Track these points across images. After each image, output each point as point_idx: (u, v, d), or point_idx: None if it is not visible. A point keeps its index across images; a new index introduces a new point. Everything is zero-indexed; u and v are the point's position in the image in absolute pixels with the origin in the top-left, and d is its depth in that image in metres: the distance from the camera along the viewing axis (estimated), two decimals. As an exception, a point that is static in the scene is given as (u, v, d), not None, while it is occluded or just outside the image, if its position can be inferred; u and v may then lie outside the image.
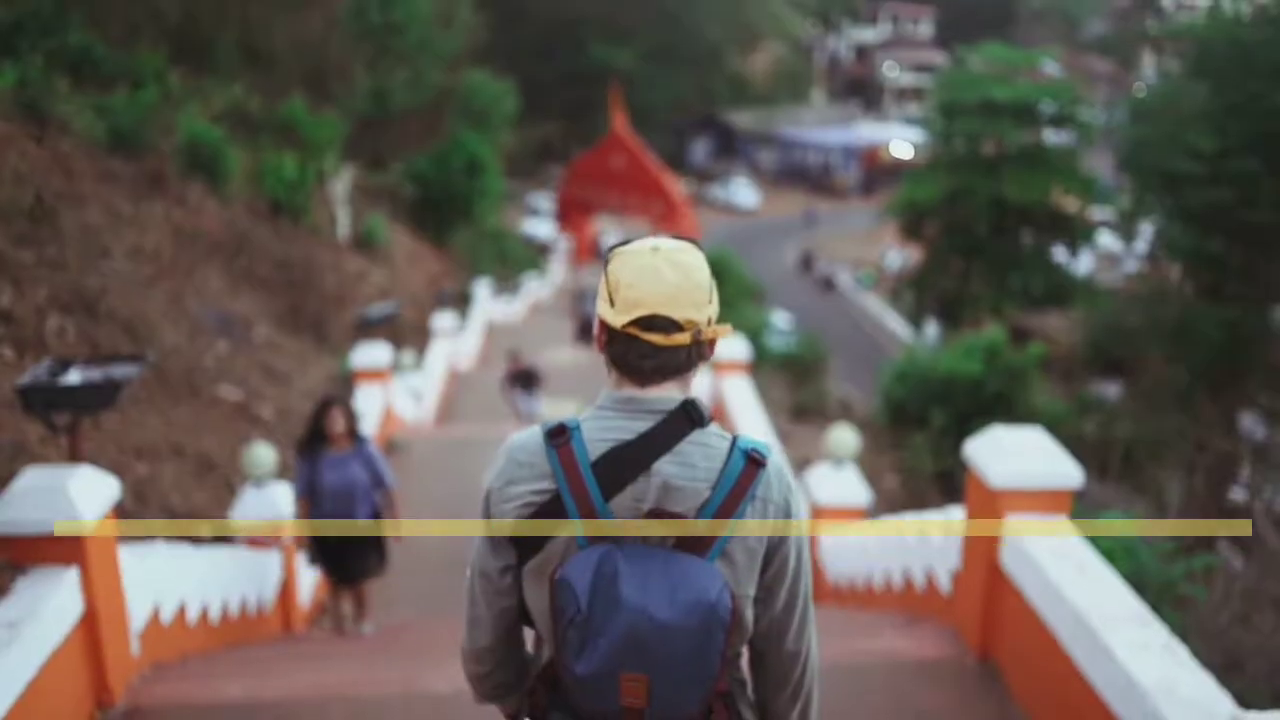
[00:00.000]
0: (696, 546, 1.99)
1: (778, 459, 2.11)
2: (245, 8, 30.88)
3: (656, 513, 1.99)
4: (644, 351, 2.01)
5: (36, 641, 4.30)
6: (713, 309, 2.05)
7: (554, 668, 2.09)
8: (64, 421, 5.29)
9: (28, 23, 17.32)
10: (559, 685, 2.10)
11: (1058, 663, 4.52)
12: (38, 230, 11.12)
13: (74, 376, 5.18)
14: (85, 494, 4.69)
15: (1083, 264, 39.29)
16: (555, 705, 2.12)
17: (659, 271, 2.00)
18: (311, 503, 7.28)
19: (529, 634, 2.31)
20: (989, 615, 5.35)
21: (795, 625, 2.15)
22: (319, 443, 7.21)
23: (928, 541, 6.43)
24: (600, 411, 2.08)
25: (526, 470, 2.06)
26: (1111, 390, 26.25)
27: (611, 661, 1.91)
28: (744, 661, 2.30)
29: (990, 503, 5.15)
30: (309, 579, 9.33)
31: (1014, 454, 5.09)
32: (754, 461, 2.04)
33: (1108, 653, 4.06)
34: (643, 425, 2.02)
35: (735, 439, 2.08)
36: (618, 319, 2.00)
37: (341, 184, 25.24)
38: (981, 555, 5.30)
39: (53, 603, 4.45)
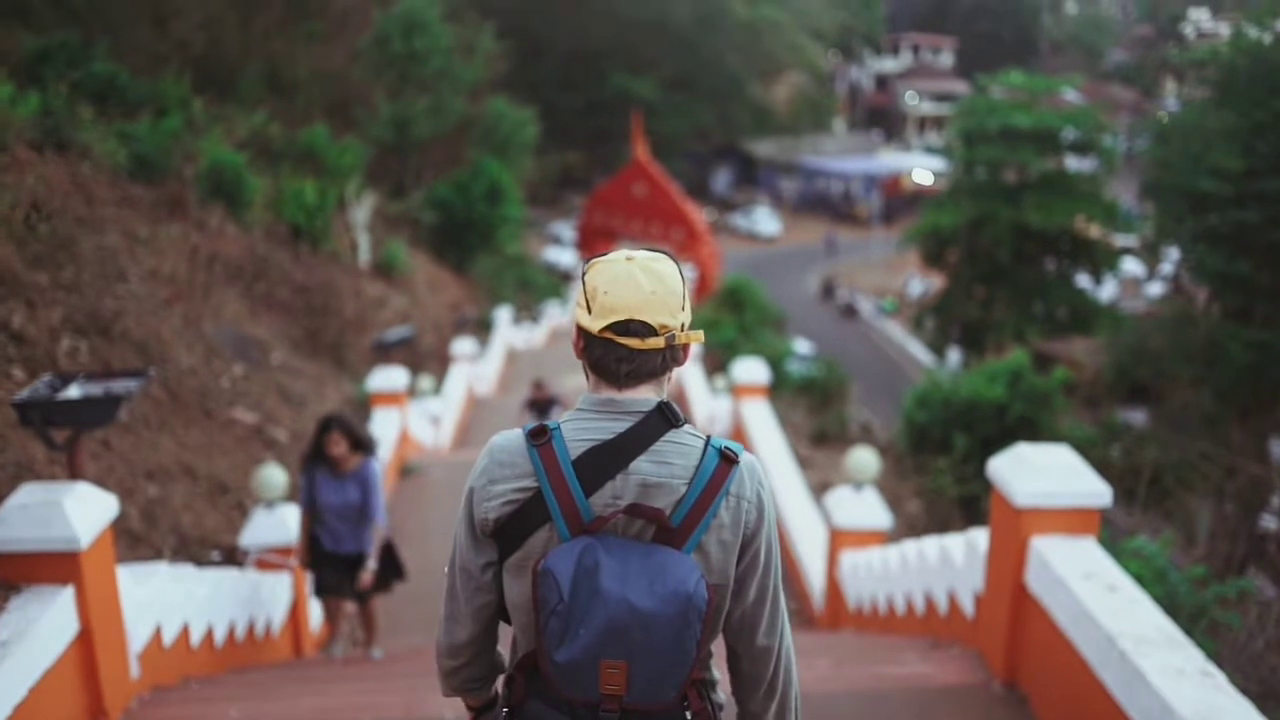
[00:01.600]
0: (674, 540, 2.05)
1: (750, 457, 2.18)
2: (269, 38, 31.14)
3: (635, 509, 2.05)
4: (620, 355, 2.09)
5: (27, 662, 4.17)
6: (685, 315, 2.12)
7: (533, 657, 2.15)
8: (63, 438, 5.17)
9: (54, 53, 17.46)
10: (538, 674, 2.14)
11: (1087, 688, 4.33)
12: (54, 253, 11.08)
13: (73, 391, 5.07)
14: (82, 512, 4.56)
15: (1106, 290, 39.04)
16: (534, 693, 2.16)
17: (634, 278, 2.07)
18: (314, 520, 7.14)
19: (503, 631, 2.34)
20: (1014, 639, 5.16)
21: (766, 618, 2.20)
22: (320, 461, 7.02)
23: (950, 562, 6.24)
24: (579, 413, 2.16)
25: (508, 470, 2.13)
26: (1137, 417, 25.95)
27: (592, 649, 1.97)
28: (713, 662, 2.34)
29: (1015, 522, 4.97)
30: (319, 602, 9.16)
31: (1041, 472, 4.91)
32: (727, 459, 2.12)
33: (1141, 678, 3.87)
34: (621, 426, 2.10)
35: (709, 438, 2.15)
36: (595, 324, 2.08)
37: (362, 210, 25.26)
38: (1006, 576, 5.11)
39: (46, 622, 4.32)
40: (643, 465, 2.08)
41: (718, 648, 2.27)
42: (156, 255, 14.03)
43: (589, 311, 2.10)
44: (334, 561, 7.20)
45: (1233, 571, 15.03)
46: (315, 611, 9.04)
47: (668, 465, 2.09)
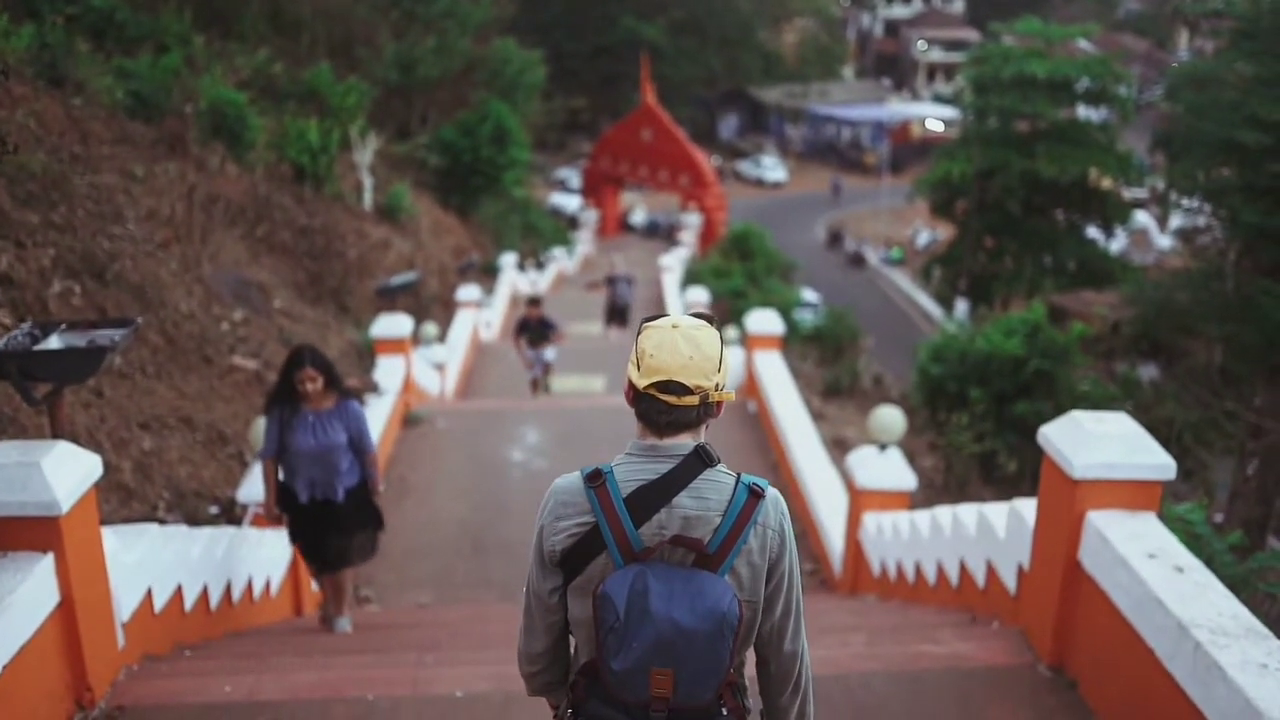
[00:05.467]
0: (711, 564, 2.41)
1: (774, 491, 2.53)
2: (272, -27, 30.47)
3: (678, 540, 2.40)
4: (660, 409, 2.43)
5: (3, 635, 3.83)
6: (720, 377, 2.44)
7: (593, 665, 2.50)
8: (44, 392, 4.80)
9: (51, -16, 16.90)
10: (598, 679, 2.49)
11: (1151, 678, 3.99)
12: (46, 191, 10.67)
13: (54, 341, 4.69)
14: (62, 473, 4.20)
15: (1115, 243, 38.56)
16: (593, 695, 2.52)
17: (676, 345, 2.40)
18: (283, 467, 6.36)
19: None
20: (1064, 619, 4.81)
21: (791, 628, 2.58)
22: (289, 401, 6.23)
23: (990, 532, 5.88)
24: (628, 457, 2.50)
25: (570, 509, 2.48)
26: (1148, 372, 25.54)
27: (643, 660, 2.34)
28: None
29: (1070, 494, 4.60)
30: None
31: (1101, 441, 4.54)
32: (755, 494, 2.46)
33: (1220, 672, 3.53)
34: (664, 467, 2.44)
35: (739, 476, 2.50)
36: (641, 381, 2.43)
37: (365, 152, 24.77)
38: (1057, 552, 4.76)
39: (22, 593, 3.97)
40: (684, 500, 2.43)
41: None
42: (154, 195, 13.60)
43: (638, 369, 2.45)
44: (315, 517, 6.44)
45: (1255, 533, 14.75)
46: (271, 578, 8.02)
47: (704, 500, 2.43)
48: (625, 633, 2.33)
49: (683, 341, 2.41)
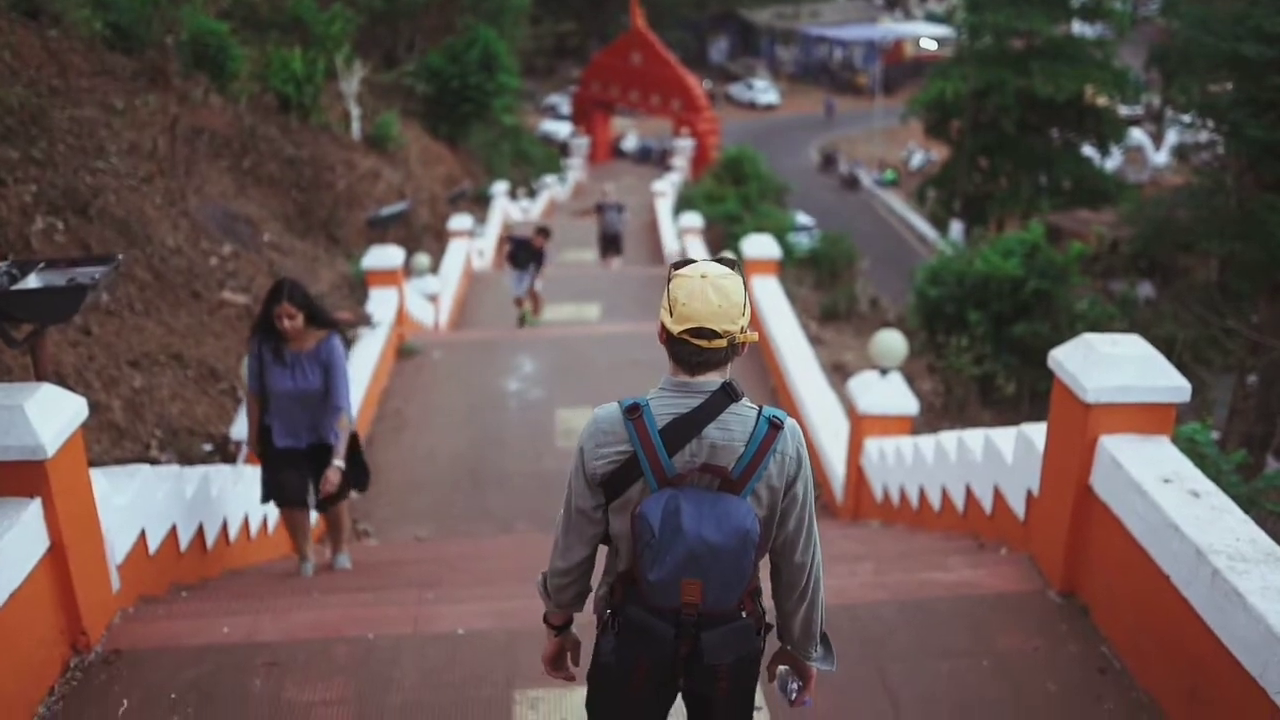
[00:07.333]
0: (734, 488, 2.69)
1: (791, 422, 2.78)
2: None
3: (706, 467, 2.68)
4: (692, 351, 2.68)
5: (-8, 583, 3.74)
6: (744, 320, 2.69)
7: (630, 574, 2.80)
8: (24, 333, 4.65)
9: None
10: (635, 586, 2.78)
11: (1166, 605, 3.91)
12: (24, 126, 10.42)
13: (33, 281, 4.53)
14: (47, 416, 4.08)
15: (1110, 162, 38.27)
16: (631, 600, 2.80)
17: (706, 294, 2.64)
18: (264, 407, 6.01)
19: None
20: (1075, 545, 4.72)
21: (802, 542, 2.83)
22: (270, 336, 5.82)
23: (997, 457, 5.79)
24: (662, 392, 2.76)
25: (610, 437, 2.75)
26: (1144, 290, 25.43)
27: (676, 571, 2.65)
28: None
29: (1082, 418, 4.49)
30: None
31: (1114, 364, 4.42)
32: (774, 426, 2.72)
33: (1237, 598, 3.44)
34: (694, 402, 2.71)
35: (761, 409, 2.75)
36: (675, 327, 2.66)
37: (352, 81, 24.36)
38: (1068, 477, 4.66)
39: (10, 539, 3.87)
40: (712, 432, 2.69)
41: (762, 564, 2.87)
42: (136, 129, 13.33)
43: (671, 315, 2.67)
44: (289, 460, 6.06)
45: (1255, 451, 14.72)
46: (269, 515, 7.79)
47: (730, 431, 2.70)
48: (660, 548, 2.64)
49: (712, 291, 2.64)
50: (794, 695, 3.08)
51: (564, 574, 2.95)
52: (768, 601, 2.97)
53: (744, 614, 2.82)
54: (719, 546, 2.63)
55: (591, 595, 3.05)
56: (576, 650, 3.16)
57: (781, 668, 3.12)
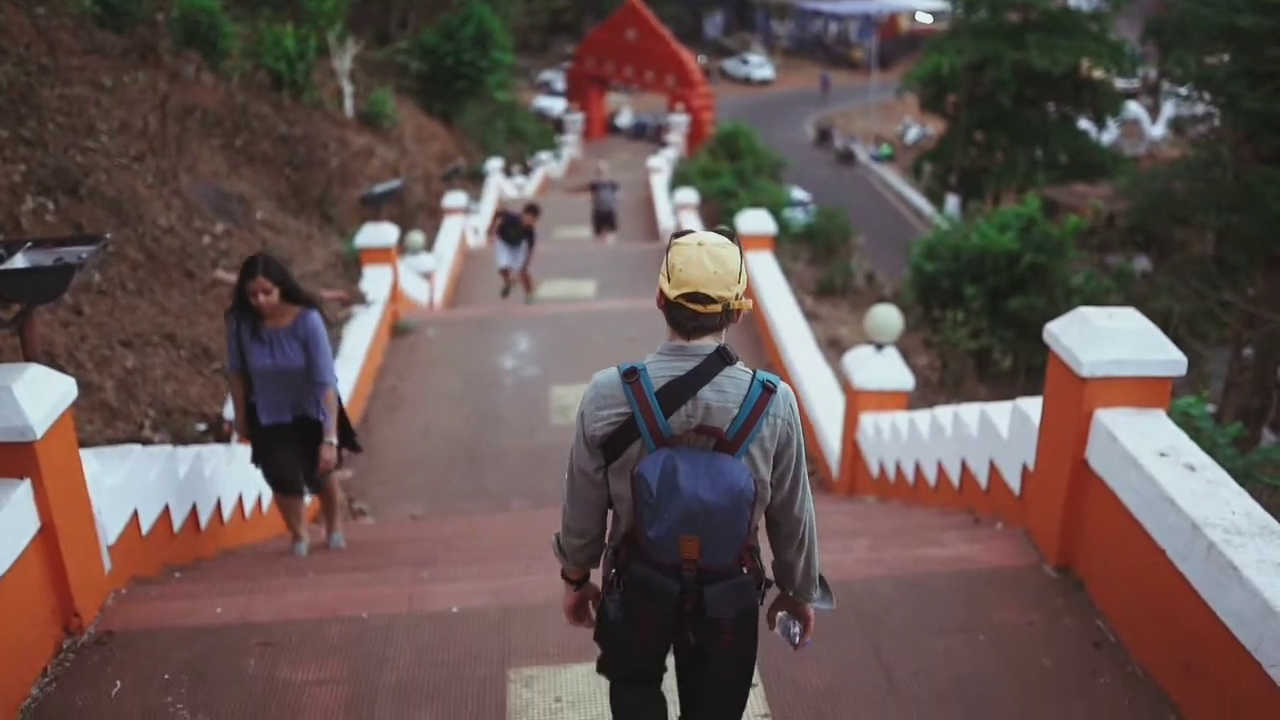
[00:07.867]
0: (729, 448, 2.78)
1: (784, 386, 2.89)
2: None
3: (701, 428, 2.78)
4: (688, 315, 2.76)
5: (-18, 566, 3.72)
6: (740, 287, 2.77)
7: (632, 534, 2.90)
8: (12, 314, 4.62)
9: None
10: (637, 545, 2.89)
11: (1162, 578, 3.90)
12: (13, 105, 10.34)
13: (19, 261, 4.49)
14: (35, 397, 4.05)
15: (1106, 135, 38.18)
16: (634, 558, 2.91)
17: (702, 261, 2.73)
18: (247, 384, 5.92)
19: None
20: (1071, 519, 4.71)
21: (798, 499, 2.95)
22: (246, 313, 5.72)
23: (993, 431, 5.77)
24: (659, 356, 2.85)
25: (609, 400, 2.84)
26: (1141, 264, 25.38)
27: (674, 529, 2.76)
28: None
29: (1078, 392, 4.48)
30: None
31: (1109, 337, 4.40)
32: (767, 389, 2.81)
33: (1235, 572, 3.43)
34: (690, 365, 2.79)
35: (755, 373, 2.84)
36: (672, 291, 2.75)
37: (345, 58, 24.21)
38: (1064, 451, 4.65)
39: (0, 520, 3.84)
40: (706, 394, 2.78)
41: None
42: (126, 107, 13.24)
43: (669, 281, 2.75)
44: (277, 438, 6.00)
45: (1250, 424, 14.72)
46: (263, 494, 7.80)
47: (724, 393, 2.79)
48: (658, 506, 2.74)
49: (708, 258, 2.73)
50: (796, 638, 3.22)
51: (578, 535, 3.07)
52: (765, 561, 3.08)
53: (743, 570, 2.94)
54: (714, 505, 2.73)
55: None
56: (597, 598, 3.22)
57: (781, 614, 3.25)
